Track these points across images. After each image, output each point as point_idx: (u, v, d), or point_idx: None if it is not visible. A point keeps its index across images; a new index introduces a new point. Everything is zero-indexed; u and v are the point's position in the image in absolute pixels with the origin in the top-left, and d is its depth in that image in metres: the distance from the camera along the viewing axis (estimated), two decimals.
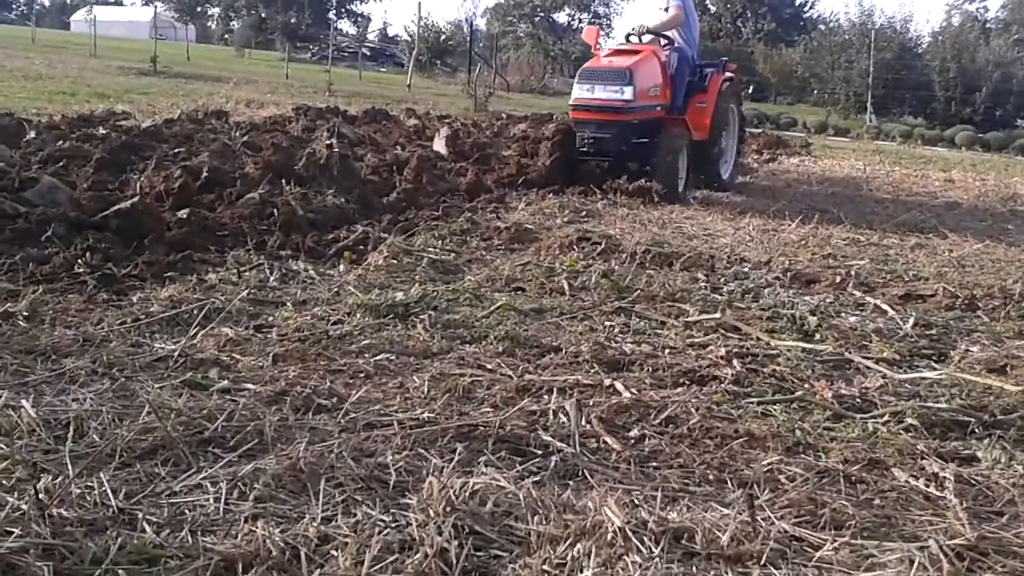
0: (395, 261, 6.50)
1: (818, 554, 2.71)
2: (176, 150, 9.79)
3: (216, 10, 79.28)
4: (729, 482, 3.29)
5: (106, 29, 45.66)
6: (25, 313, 4.34)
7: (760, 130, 25.62)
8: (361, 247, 6.88)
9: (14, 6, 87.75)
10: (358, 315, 4.98)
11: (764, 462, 3.46)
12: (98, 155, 8.63)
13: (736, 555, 2.64)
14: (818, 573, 2.58)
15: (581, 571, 2.35)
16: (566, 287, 6.15)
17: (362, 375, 4.08)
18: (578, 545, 2.51)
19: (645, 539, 2.62)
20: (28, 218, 6.06)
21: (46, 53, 31.48)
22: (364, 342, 4.55)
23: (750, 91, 34.36)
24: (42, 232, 5.84)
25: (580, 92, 10.92)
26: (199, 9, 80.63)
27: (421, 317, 5.07)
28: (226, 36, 72.67)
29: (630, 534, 2.62)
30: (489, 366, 4.39)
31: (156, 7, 48.13)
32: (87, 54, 33.18)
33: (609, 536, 2.58)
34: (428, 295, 5.56)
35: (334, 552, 2.43)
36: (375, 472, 3.00)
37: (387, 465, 3.06)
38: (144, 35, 50.84)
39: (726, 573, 2.53)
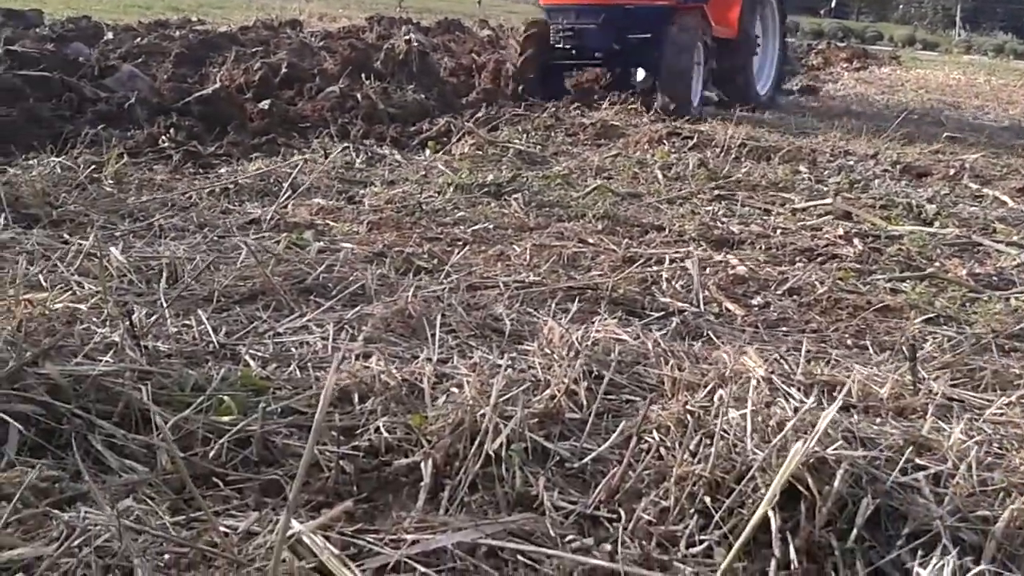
0: (480, 152, 6.22)
1: (987, 412, 2.41)
2: (254, 50, 9.58)
3: None
4: (870, 347, 2.99)
5: None
6: (111, 180, 4.20)
7: (845, 43, 24.46)
8: (444, 139, 6.61)
9: None
10: (450, 192, 4.74)
11: (907, 330, 3.15)
12: (176, 50, 8.48)
13: (898, 408, 2.36)
14: (994, 429, 2.28)
15: (726, 414, 2.10)
16: (660, 176, 5.81)
17: (460, 243, 3.85)
18: (720, 391, 2.25)
19: (792, 389, 2.36)
20: (109, 101, 5.93)
21: None
22: (459, 214, 4.32)
23: (832, 7, 32.85)
24: (123, 114, 5.71)
25: None
26: None
27: (515, 196, 4.81)
28: None
29: (777, 382, 2.35)
30: (591, 240, 4.12)
31: None
32: None
33: (753, 384, 2.31)
34: (519, 177, 5.30)
35: (455, 388, 2.22)
36: (487, 321, 2.78)
37: (499, 316, 2.83)
38: None
39: (890, 424, 2.25)
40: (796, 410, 2.13)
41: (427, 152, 6.01)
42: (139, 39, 9.46)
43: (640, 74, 8.79)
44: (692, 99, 8.34)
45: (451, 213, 4.35)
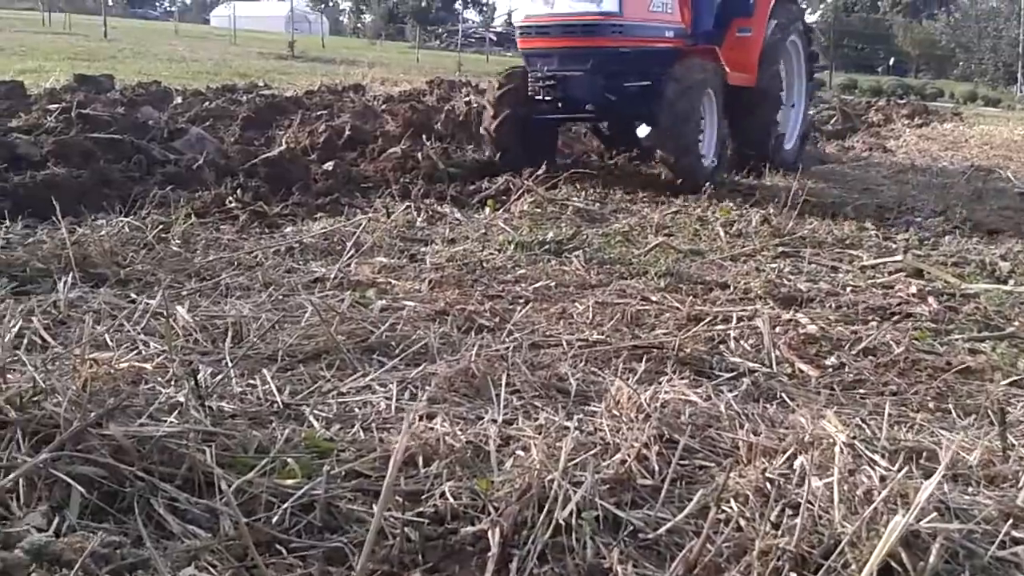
0: (539, 210, 6.21)
1: None
2: (318, 113, 9.79)
3: (348, 3, 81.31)
4: (953, 410, 2.85)
5: (243, 24, 47.40)
6: (178, 240, 4.26)
7: (905, 100, 24.20)
8: (504, 197, 6.62)
9: (157, 4, 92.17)
10: (510, 250, 4.71)
11: (991, 393, 3.00)
12: (244, 114, 8.70)
13: (989, 476, 2.22)
14: None
15: (809, 483, 1.99)
16: (722, 233, 5.72)
17: (521, 300, 3.80)
18: (800, 458, 2.15)
19: (876, 456, 2.24)
20: (177, 163, 6.07)
21: (188, 42, 32.75)
22: (519, 272, 4.28)
23: (890, 65, 32.66)
24: (191, 176, 5.83)
25: (533, 6, 7.00)
26: (331, 3, 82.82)
27: (575, 253, 4.76)
28: (357, 27, 74.41)
29: (860, 448, 2.23)
30: (654, 298, 4.04)
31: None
32: (227, 42, 34.34)
33: (836, 450, 2.20)
34: (580, 235, 5.26)
35: (520, 451, 2.15)
36: (552, 381, 2.71)
37: (563, 376, 2.76)
38: (279, 28, 52.62)
39: (982, 493, 2.11)
40: (883, 479, 2.02)
41: (487, 210, 6.02)
42: (207, 103, 9.74)
43: (643, 129, 7.60)
44: (700, 158, 6.93)
45: (512, 271, 4.32)
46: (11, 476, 1.84)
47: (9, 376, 2.28)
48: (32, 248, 3.70)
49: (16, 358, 2.39)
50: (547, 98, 6.98)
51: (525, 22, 7.09)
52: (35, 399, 2.14)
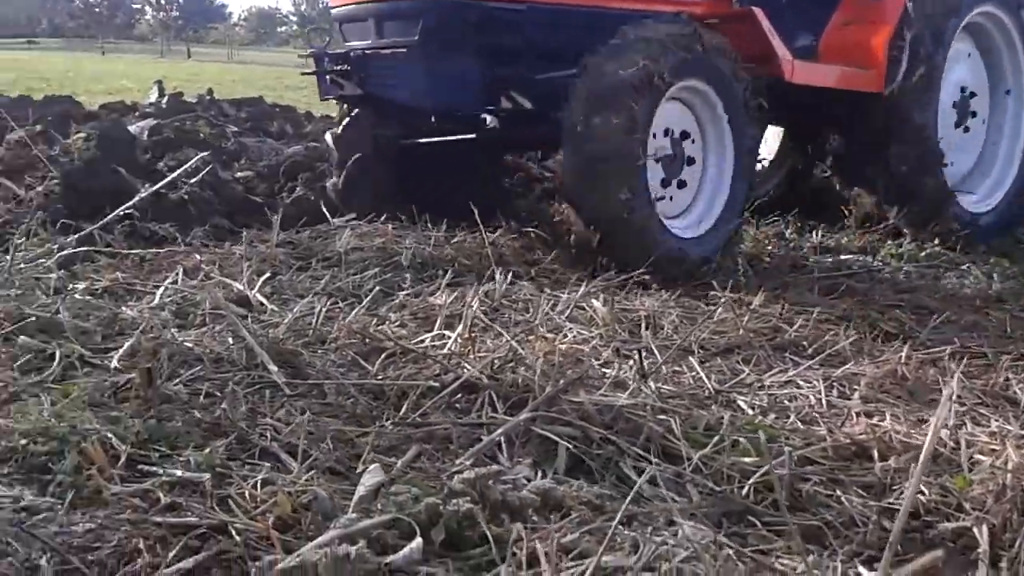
0: None
1: None
2: None
3: None
4: None
5: None
6: None
7: None
8: None
9: None
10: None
11: None
12: None
13: None
14: None
15: None
16: None
17: (924, 310, 3.60)
18: None
19: None
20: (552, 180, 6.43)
21: None
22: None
23: None
24: None
25: None
26: None
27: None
28: None
29: None
30: None
31: None
32: None
33: None
34: None
35: (979, 455, 2.04)
36: (992, 389, 2.54)
37: (1005, 383, 2.59)
38: None
39: None
40: None
41: None
42: None
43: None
44: (646, 215, 3.78)
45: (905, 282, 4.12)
46: (498, 431, 2.07)
47: (479, 348, 2.57)
48: (456, 247, 4.12)
49: (473, 336, 2.67)
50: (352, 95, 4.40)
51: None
52: (510, 366, 2.39)
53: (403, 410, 2.31)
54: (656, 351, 2.72)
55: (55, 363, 2.42)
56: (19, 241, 3.70)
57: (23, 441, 1.93)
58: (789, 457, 1.92)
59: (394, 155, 4.63)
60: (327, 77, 4.31)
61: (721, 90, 3.99)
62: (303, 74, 4.72)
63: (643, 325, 3.07)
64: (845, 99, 4.59)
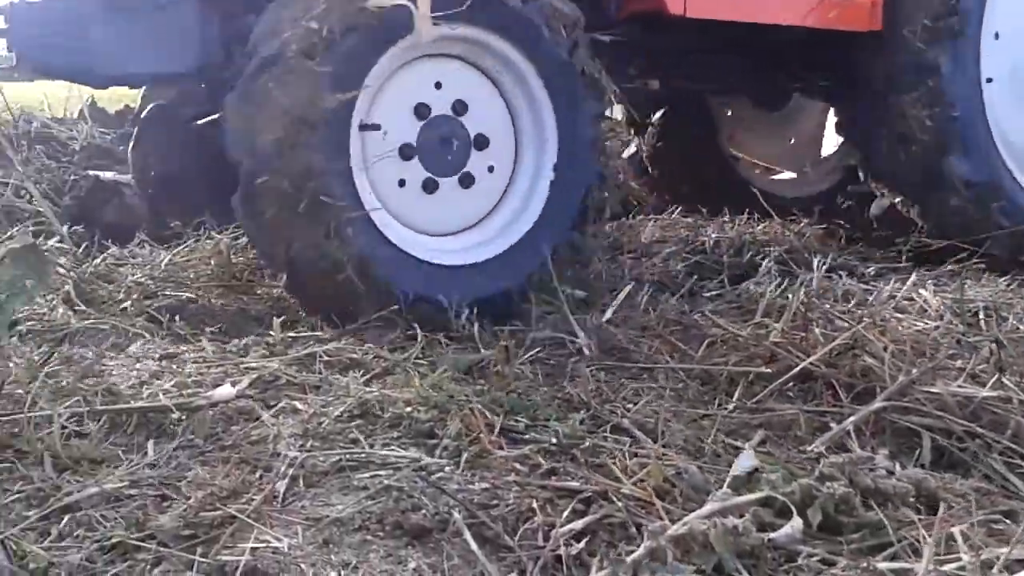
0: None
1: None
2: None
3: None
4: None
5: None
6: None
7: None
8: None
9: None
10: None
11: None
12: None
13: None
14: None
15: None
16: None
17: None
18: None
19: None
20: None
21: None
22: None
23: None
24: None
25: None
26: None
27: None
28: None
29: None
30: None
31: None
32: None
33: None
34: None
35: None
36: None
37: None
38: None
39: None
40: None
41: None
42: None
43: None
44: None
45: None
46: (850, 419, 2.04)
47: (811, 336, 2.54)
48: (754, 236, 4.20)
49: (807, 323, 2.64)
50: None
51: None
52: (853, 352, 2.36)
53: (736, 396, 2.34)
54: (1006, 343, 2.56)
55: (417, 342, 2.67)
56: None
57: (407, 409, 2.17)
58: None
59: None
60: None
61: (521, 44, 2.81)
62: None
63: (981, 316, 2.90)
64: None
